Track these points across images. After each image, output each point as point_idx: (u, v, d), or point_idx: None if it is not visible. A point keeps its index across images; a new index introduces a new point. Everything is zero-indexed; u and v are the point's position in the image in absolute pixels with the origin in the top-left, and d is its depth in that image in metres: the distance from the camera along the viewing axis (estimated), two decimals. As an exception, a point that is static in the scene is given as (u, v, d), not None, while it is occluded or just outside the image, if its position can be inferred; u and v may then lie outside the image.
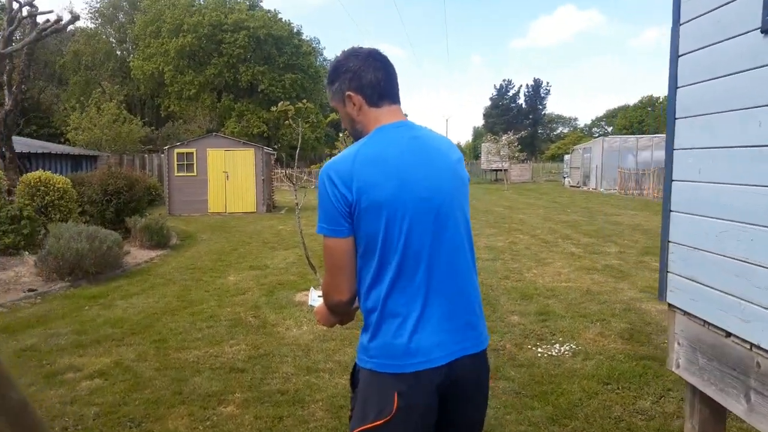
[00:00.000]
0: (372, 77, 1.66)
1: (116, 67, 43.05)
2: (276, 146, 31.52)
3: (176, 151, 18.52)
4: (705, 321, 2.26)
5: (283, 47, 40.47)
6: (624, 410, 3.72)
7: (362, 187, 1.54)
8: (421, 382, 1.57)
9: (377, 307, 1.60)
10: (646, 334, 5.23)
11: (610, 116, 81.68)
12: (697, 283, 2.29)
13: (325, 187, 1.59)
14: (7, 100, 12.28)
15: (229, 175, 18.47)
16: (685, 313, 2.41)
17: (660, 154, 26.71)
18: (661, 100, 68.86)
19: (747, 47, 2.01)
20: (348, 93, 1.68)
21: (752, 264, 1.97)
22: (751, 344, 1.98)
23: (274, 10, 42.71)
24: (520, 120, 77.61)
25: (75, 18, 13.44)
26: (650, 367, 4.41)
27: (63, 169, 19.61)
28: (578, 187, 31.01)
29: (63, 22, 13.03)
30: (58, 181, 10.48)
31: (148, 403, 3.98)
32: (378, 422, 1.56)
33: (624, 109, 74.18)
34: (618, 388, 4.05)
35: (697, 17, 2.34)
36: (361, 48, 1.74)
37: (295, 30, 43.13)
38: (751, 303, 1.97)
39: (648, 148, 27.77)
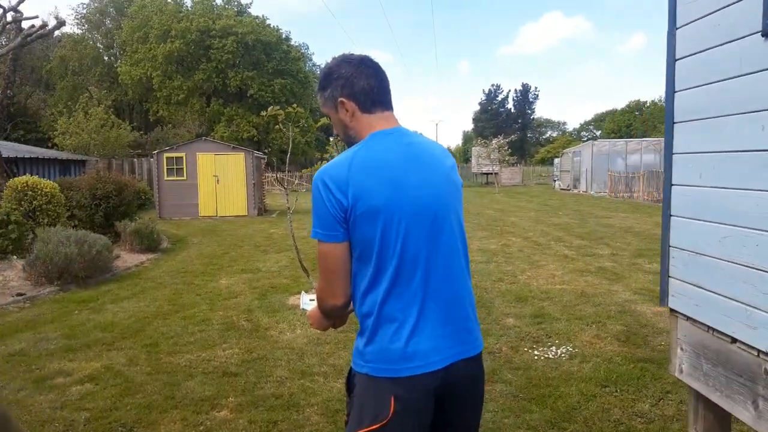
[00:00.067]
0: (365, 84, 1.66)
1: (104, 72, 42.82)
2: (266, 150, 31.41)
3: (166, 155, 18.41)
4: (709, 327, 2.23)
5: (272, 53, 40.39)
6: (623, 413, 3.69)
7: (358, 192, 1.54)
8: (418, 386, 1.58)
9: (373, 311, 1.60)
10: (642, 336, 5.21)
11: (599, 120, 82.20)
12: (701, 288, 2.27)
13: (320, 192, 1.58)
14: (-7, 105, 12.13)
15: (219, 179, 18.37)
16: (688, 318, 2.39)
17: (649, 158, 26.94)
18: (648, 104, 69.48)
19: (748, 51, 1.99)
20: (341, 99, 1.67)
21: (758, 270, 1.94)
22: (759, 351, 1.95)
23: (263, 16, 42.63)
24: (509, 124, 77.89)
25: (61, 24, 13.33)
26: (648, 369, 4.39)
27: (51, 174, 19.41)
28: (568, 190, 31.13)
29: (48, 28, 12.90)
30: (46, 186, 10.35)
31: (139, 408, 3.91)
32: (374, 426, 1.56)
33: (612, 114, 74.70)
34: (616, 391, 4.02)
35: (694, 21, 2.32)
36: (352, 54, 1.73)
37: (283, 36, 43.07)
38: (758, 309, 1.94)
39: (637, 152, 27.95)
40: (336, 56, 1.76)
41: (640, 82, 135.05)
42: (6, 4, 12.39)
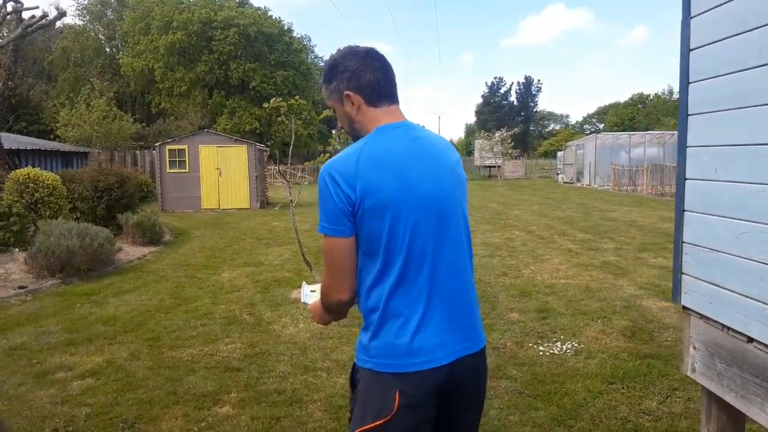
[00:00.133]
0: (371, 77, 1.65)
1: (106, 63, 42.71)
2: (269, 143, 31.36)
3: (168, 147, 18.36)
4: (724, 325, 2.17)
5: (274, 44, 40.25)
6: (630, 411, 3.64)
7: (366, 186, 1.53)
8: (424, 381, 1.57)
9: (379, 306, 1.59)
10: (648, 332, 5.16)
11: (602, 113, 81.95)
12: (715, 285, 2.21)
13: (327, 186, 1.56)
14: (-6, 97, 12.07)
15: (221, 171, 18.33)
16: (702, 316, 2.33)
17: (653, 151, 26.83)
18: (651, 97, 69.23)
19: (768, 40, 1.92)
20: (346, 92, 1.66)
21: (777, 267, 1.88)
22: (777, 351, 1.90)
23: (264, 7, 42.78)
24: (512, 117, 77.63)
25: (61, 14, 13.26)
26: (654, 365, 4.34)
27: (53, 166, 19.38)
28: (572, 183, 31.02)
29: (49, 18, 12.81)
30: (48, 178, 10.31)
31: (141, 404, 3.87)
32: (378, 422, 1.56)
33: (615, 107, 74.45)
34: (623, 388, 3.97)
35: (710, 9, 2.25)
36: (358, 47, 1.72)
37: (285, 27, 42.89)
38: (777, 308, 1.88)
39: (641, 145, 27.83)
40: (341, 48, 1.74)
41: (643, 74, 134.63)
42: (6, -5, 12.33)
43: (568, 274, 7.64)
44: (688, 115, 2.39)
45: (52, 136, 26.79)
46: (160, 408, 3.80)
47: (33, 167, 10.70)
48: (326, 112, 7.79)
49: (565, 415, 3.58)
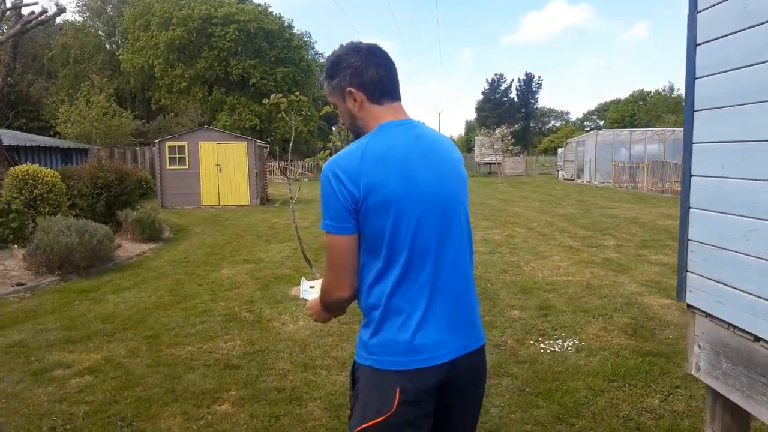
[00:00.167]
0: (374, 74, 1.64)
1: (105, 60, 42.57)
2: (269, 139, 31.29)
3: (168, 144, 18.32)
4: (730, 324, 2.14)
5: (274, 41, 40.12)
6: (632, 408, 3.61)
7: (370, 184, 1.52)
8: (425, 378, 1.57)
9: (380, 303, 1.59)
10: (650, 330, 5.13)
11: (602, 110, 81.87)
12: (722, 284, 2.17)
13: (331, 184, 1.56)
14: (-7, 93, 12.02)
15: (221, 167, 18.29)
16: (707, 314, 2.29)
17: (653, 148, 26.79)
18: (652, 94, 69.12)
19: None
20: (349, 89, 1.65)
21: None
22: (785, 350, 1.86)
23: (264, 3, 42.30)
24: (512, 114, 77.55)
25: (61, 10, 13.17)
26: (656, 363, 4.31)
27: (53, 163, 19.33)
28: (572, 180, 30.98)
29: (49, 14, 12.75)
30: (47, 175, 10.28)
31: (139, 402, 3.84)
32: (379, 419, 1.55)
33: (615, 103, 74.35)
34: (624, 386, 3.94)
35: (717, 3, 2.21)
36: (361, 43, 1.71)
37: (286, 24, 42.78)
38: (785, 308, 1.85)
39: (641, 142, 27.78)
40: (344, 44, 1.74)
41: (644, 71, 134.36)
42: (6, -9, 12.28)
43: (568, 271, 7.61)
44: (694, 111, 2.35)
45: (51, 133, 26.74)
46: (159, 406, 3.78)
47: (32, 164, 10.65)
48: (327, 109, 7.75)
49: (567, 413, 3.56)
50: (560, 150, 35.98)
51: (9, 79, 11.91)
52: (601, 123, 76.87)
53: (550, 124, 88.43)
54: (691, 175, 2.37)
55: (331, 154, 8.79)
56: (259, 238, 11.38)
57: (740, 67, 2.06)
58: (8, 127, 25.66)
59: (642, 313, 5.62)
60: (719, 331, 2.24)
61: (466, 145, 73.20)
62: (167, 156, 18.19)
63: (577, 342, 4.84)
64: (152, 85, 41.20)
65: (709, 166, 2.25)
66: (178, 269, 8.35)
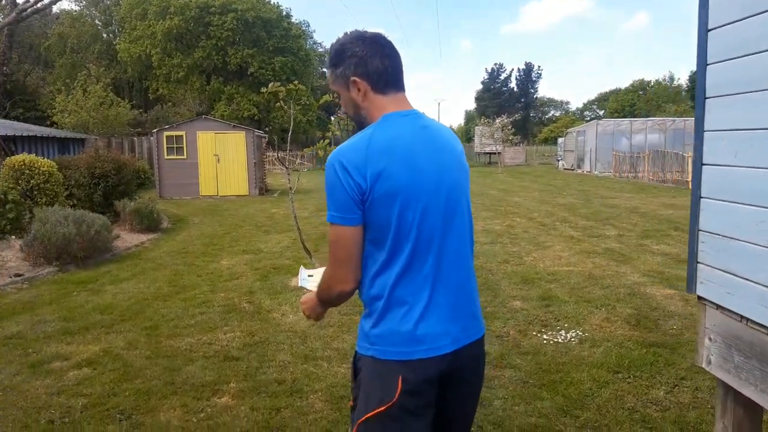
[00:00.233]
0: (379, 64, 1.63)
1: (102, 49, 42.28)
2: (267, 129, 31.15)
3: (165, 134, 18.20)
4: (742, 316, 2.08)
5: (273, 30, 39.83)
6: (637, 400, 3.57)
7: (377, 174, 1.51)
8: (427, 369, 1.57)
9: (383, 294, 1.59)
10: (653, 320, 5.08)
11: (602, 100, 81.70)
12: (734, 275, 2.12)
13: (337, 174, 1.54)
14: (-11, 81, 11.88)
15: (219, 158, 18.19)
16: (718, 307, 2.24)
17: (654, 137, 26.70)
18: (652, 84, 68.89)
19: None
20: (353, 78, 1.64)
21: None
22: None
23: (262, -8, 41.86)
24: (511, 103, 77.34)
25: (56, -1, 13.00)
26: (660, 354, 4.27)
27: (50, 153, 19.18)
28: (572, 170, 30.88)
29: (44, 3, 12.60)
30: (43, 165, 10.18)
31: (138, 394, 3.80)
32: (380, 408, 1.56)
33: (615, 93, 74.13)
34: (629, 377, 3.90)
35: (732, -14, 2.13)
36: (365, 32, 1.69)
37: (284, 13, 42.45)
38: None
39: (642, 131, 27.68)
40: (348, 32, 1.72)
41: (644, 61, 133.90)
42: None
43: (570, 261, 7.56)
44: (705, 98, 2.28)
45: (48, 123, 26.57)
46: (158, 398, 3.73)
47: (29, 154, 10.55)
48: (326, 98, 7.67)
49: (571, 405, 3.51)
50: (560, 140, 35.85)
51: (5, 68, 11.82)
52: (601, 113, 76.71)
53: (550, 114, 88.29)
54: (702, 164, 2.31)
55: (330, 143, 8.72)
56: (258, 228, 11.31)
57: (755, 53, 1.99)
58: (5, 117, 25.48)
59: (645, 304, 5.57)
60: (731, 324, 2.18)
61: (466, 135, 73.03)
62: (165, 146, 18.08)
63: (580, 333, 4.80)
64: (150, 75, 40.96)
65: (721, 154, 2.18)
66: (176, 260, 8.30)
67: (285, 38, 40.51)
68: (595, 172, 27.42)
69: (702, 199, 2.31)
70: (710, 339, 2.31)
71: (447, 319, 1.61)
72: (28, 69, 38.58)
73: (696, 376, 3.88)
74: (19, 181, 9.79)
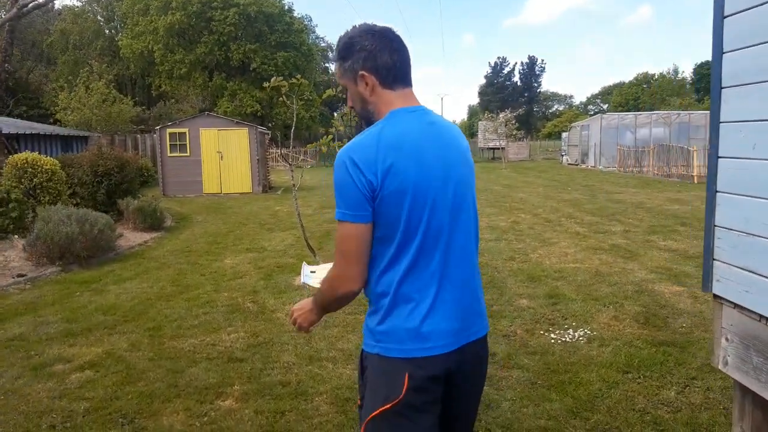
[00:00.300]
0: (388, 59, 1.63)
1: (105, 46, 42.15)
2: (270, 125, 31.07)
3: (168, 131, 18.14)
4: (761, 315, 2.02)
5: (275, 25, 39.63)
6: (648, 401, 3.50)
7: (388, 171, 1.51)
8: (433, 366, 1.57)
9: (389, 291, 1.58)
10: (662, 318, 5.01)
11: (606, 93, 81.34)
12: (752, 273, 2.05)
13: (348, 171, 1.53)
14: (-10, 78, 11.83)
15: (222, 155, 18.13)
16: (736, 305, 2.17)
17: (659, 131, 26.52)
18: (656, 77, 68.54)
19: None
20: (361, 72, 1.63)
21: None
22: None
23: (264, -14, 41.62)
24: (515, 98, 77.14)
25: (59, -7, 12.90)
26: (670, 353, 4.20)
27: (53, 151, 19.17)
28: (576, 164, 30.74)
29: (46, -2, 12.54)
30: (46, 163, 10.14)
31: (141, 397, 3.75)
32: (387, 406, 1.56)
33: (619, 87, 73.81)
34: (639, 377, 3.83)
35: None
36: (374, 25, 1.69)
37: (286, 7, 42.25)
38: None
39: (647, 125, 27.49)
40: (357, 25, 1.71)
41: (648, 54, 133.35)
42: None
43: (576, 258, 7.48)
44: (722, 87, 2.21)
45: (51, 120, 26.56)
46: (161, 402, 3.68)
47: (32, 152, 10.52)
48: (329, 92, 7.62)
49: (581, 406, 3.45)
50: (564, 134, 35.73)
51: (6, 65, 11.75)
52: (605, 107, 76.38)
53: (554, 108, 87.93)
54: (719, 157, 2.24)
55: (333, 139, 8.65)
56: (261, 226, 11.27)
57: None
58: (8, 115, 25.46)
59: (653, 301, 5.50)
60: (749, 323, 2.12)
61: (469, 130, 72.81)
62: (168, 143, 18.02)
63: (588, 331, 4.73)
64: (152, 71, 40.83)
65: (738, 146, 2.11)
66: (180, 259, 8.25)
67: (287, 33, 40.30)
68: (600, 167, 27.29)
69: (718, 194, 2.24)
70: (727, 339, 2.24)
71: (452, 316, 1.60)
72: (31, 66, 38.57)
73: (707, 376, 3.81)
74: (22, 180, 9.75)
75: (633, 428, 3.21)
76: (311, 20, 56.39)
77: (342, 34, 1.73)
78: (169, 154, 18.06)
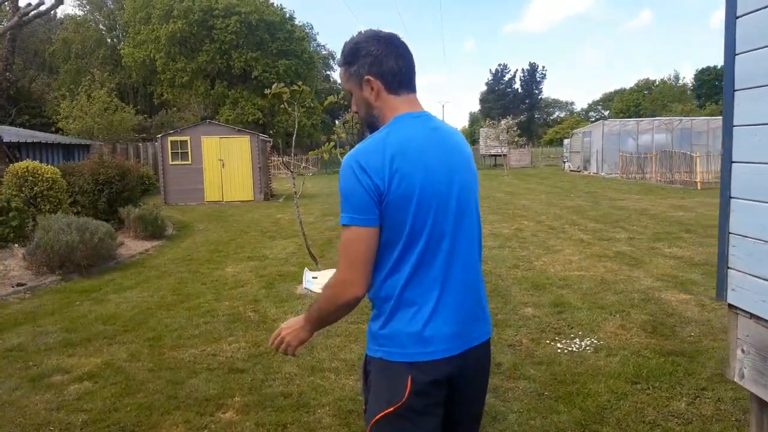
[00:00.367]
0: (393, 64, 1.64)
1: (107, 54, 42.26)
2: (271, 132, 31.07)
3: (170, 139, 18.12)
4: (779, 325, 1.95)
5: (276, 33, 39.73)
6: (658, 413, 3.42)
7: (393, 176, 1.51)
8: (435, 371, 1.57)
9: (393, 295, 1.58)
10: (670, 327, 4.93)
11: (607, 100, 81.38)
12: (768, 281, 1.98)
13: (356, 175, 1.53)
14: (-9, 87, 11.82)
15: (224, 162, 18.09)
16: (752, 315, 2.10)
17: (661, 137, 26.48)
18: (657, 83, 68.56)
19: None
20: (367, 77, 1.65)
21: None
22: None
23: (265, -7, 41.75)
24: (516, 105, 77.17)
25: (59, 2, 12.92)
26: (679, 363, 4.12)
27: (55, 159, 19.16)
28: (579, 171, 30.68)
29: (46, 6, 12.52)
30: (47, 171, 10.10)
31: (140, 409, 3.68)
32: (390, 409, 1.56)
33: (620, 93, 73.82)
34: (648, 388, 3.75)
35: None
36: (380, 31, 1.70)
37: (287, 15, 42.37)
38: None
39: (649, 132, 27.44)
40: (362, 31, 1.73)
41: (648, 60, 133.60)
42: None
43: (581, 265, 7.41)
44: (734, 90, 2.15)
45: (53, 129, 26.58)
46: (160, 414, 3.61)
47: (34, 160, 10.48)
48: (330, 99, 7.58)
49: (590, 419, 3.37)
50: (566, 141, 35.65)
51: (8, 73, 11.72)
52: (606, 113, 76.39)
53: (555, 115, 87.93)
54: (732, 162, 2.18)
55: (335, 146, 8.60)
56: (263, 234, 11.21)
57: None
58: (11, 124, 25.48)
59: (660, 310, 5.42)
60: (766, 334, 2.05)
61: (470, 137, 72.83)
62: (170, 151, 17.99)
63: (595, 341, 4.65)
64: (154, 80, 40.92)
65: (753, 150, 2.05)
66: (181, 267, 8.19)
67: (289, 41, 40.40)
68: (602, 174, 27.21)
69: (732, 200, 2.18)
70: (743, 351, 2.17)
71: (455, 320, 1.61)
72: (33, 75, 38.66)
73: (717, 386, 3.74)
74: (23, 188, 9.71)
75: (643, 441, 3.13)
76: (312, 28, 56.70)
77: (347, 39, 1.73)
78: (170, 162, 18.03)
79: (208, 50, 38.26)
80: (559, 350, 4.50)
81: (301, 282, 6.75)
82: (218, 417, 3.56)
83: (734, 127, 2.18)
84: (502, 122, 35.07)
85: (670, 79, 70.30)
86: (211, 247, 9.88)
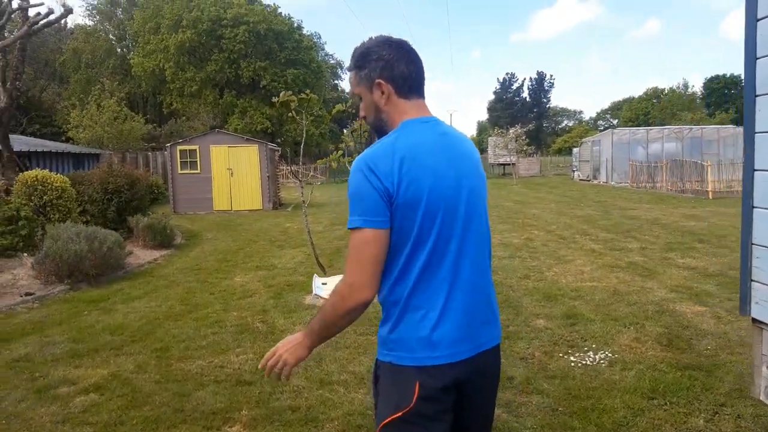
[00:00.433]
0: (404, 69, 1.66)
1: (117, 64, 42.58)
2: (280, 141, 31.11)
3: (179, 148, 18.16)
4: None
5: (284, 42, 39.90)
6: (676, 430, 3.33)
7: (403, 180, 1.52)
8: (443, 376, 1.57)
9: (401, 299, 1.59)
10: (686, 340, 4.83)
11: (616, 109, 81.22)
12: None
13: (366, 178, 1.53)
14: (2, 97, 11.87)
15: (233, 171, 18.10)
16: (779, 330, 2.02)
17: (671, 146, 26.31)
18: (666, 91, 68.32)
19: None
20: (378, 81, 1.66)
21: None
22: None
23: (274, 4, 41.90)
24: (524, 113, 77.11)
25: (68, 11, 12.98)
26: (697, 378, 4.02)
27: (65, 168, 19.26)
28: (588, 180, 30.51)
29: (55, 15, 12.59)
30: (56, 180, 10.11)
31: (146, 422, 3.62)
32: (398, 414, 1.55)
33: (629, 102, 73.60)
34: (665, 404, 3.66)
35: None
36: (391, 37, 1.72)
37: (295, 25, 42.57)
38: None
39: (658, 140, 27.27)
40: (373, 37, 1.74)
41: (657, 68, 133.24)
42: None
43: (593, 276, 7.31)
44: (756, 96, 2.08)
45: (63, 138, 26.74)
46: (167, 428, 3.55)
47: (44, 169, 10.50)
48: (339, 107, 7.54)
49: (606, 436, 3.28)
50: (575, 150, 35.51)
51: (18, 83, 11.77)
52: (615, 122, 76.16)
53: (563, 124, 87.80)
54: (755, 170, 2.10)
55: (343, 155, 8.56)
56: (272, 243, 11.17)
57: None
58: (22, 133, 25.68)
59: (675, 322, 5.32)
60: (793, 355, 1.96)
61: (479, 146, 72.79)
62: (179, 160, 18.03)
63: (609, 354, 4.56)
64: (163, 89, 41.16)
65: None
66: (189, 277, 8.15)
67: (297, 50, 40.54)
68: (612, 183, 27.05)
69: (755, 209, 2.10)
70: (769, 370, 2.09)
71: (463, 324, 1.60)
72: (44, 84, 38.96)
73: (736, 402, 3.63)
74: (32, 197, 9.72)
75: (662, 459, 3.04)
76: (320, 38, 56.77)
77: (357, 45, 1.73)
78: (179, 171, 18.06)
79: (216, 60, 38.45)
80: (572, 363, 4.41)
81: (309, 292, 6.69)
82: (225, 431, 3.50)
83: (756, 134, 2.11)
84: (511, 131, 35.01)
85: (679, 87, 70.11)
86: (220, 256, 9.85)
